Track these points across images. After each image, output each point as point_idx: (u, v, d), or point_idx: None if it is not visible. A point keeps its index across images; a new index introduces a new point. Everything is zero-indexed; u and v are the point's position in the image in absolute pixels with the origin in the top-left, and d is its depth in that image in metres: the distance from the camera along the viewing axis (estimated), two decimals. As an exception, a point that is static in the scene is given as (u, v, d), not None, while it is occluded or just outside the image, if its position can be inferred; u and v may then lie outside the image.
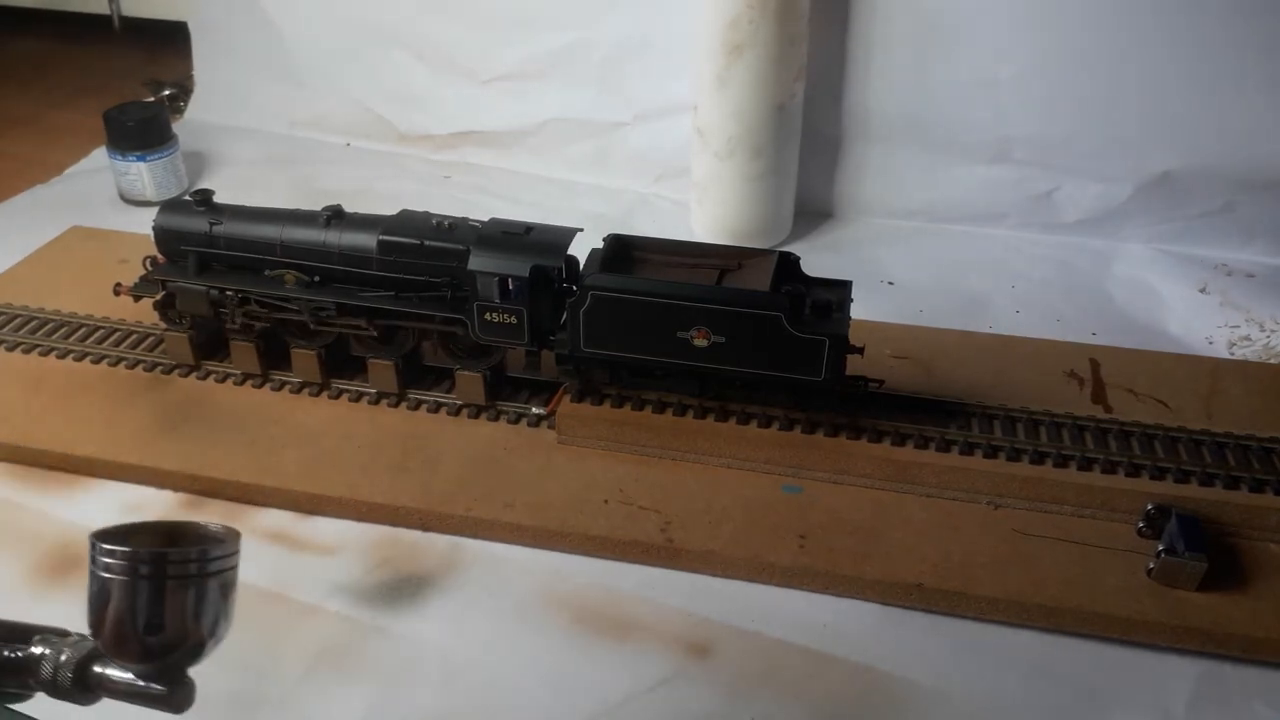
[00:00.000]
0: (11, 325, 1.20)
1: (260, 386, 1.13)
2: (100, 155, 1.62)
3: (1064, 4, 1.33)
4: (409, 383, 1.11)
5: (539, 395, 1.10)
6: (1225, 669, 0.87)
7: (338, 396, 1.11)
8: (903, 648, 0.88)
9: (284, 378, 1.12)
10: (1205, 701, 0.84)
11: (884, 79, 1.42)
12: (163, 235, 1.09)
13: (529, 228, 1.01)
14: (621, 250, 1.03)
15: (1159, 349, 1.21)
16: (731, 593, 0.93)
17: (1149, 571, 0.91)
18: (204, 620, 0.51)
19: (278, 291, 1.07)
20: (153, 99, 1.86)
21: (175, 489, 1.03)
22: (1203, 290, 1.35)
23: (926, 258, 1.43)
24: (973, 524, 0.97)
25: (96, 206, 1.55)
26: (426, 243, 1.02)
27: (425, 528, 0.99)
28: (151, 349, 1.17)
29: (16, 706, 0.55)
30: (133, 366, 1.15)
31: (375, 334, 1.07)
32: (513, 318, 1.00)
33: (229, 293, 1.08)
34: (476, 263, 0.98)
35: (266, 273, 1.08)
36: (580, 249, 1.02)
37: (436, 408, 1.10)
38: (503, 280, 0.98)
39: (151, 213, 1.12)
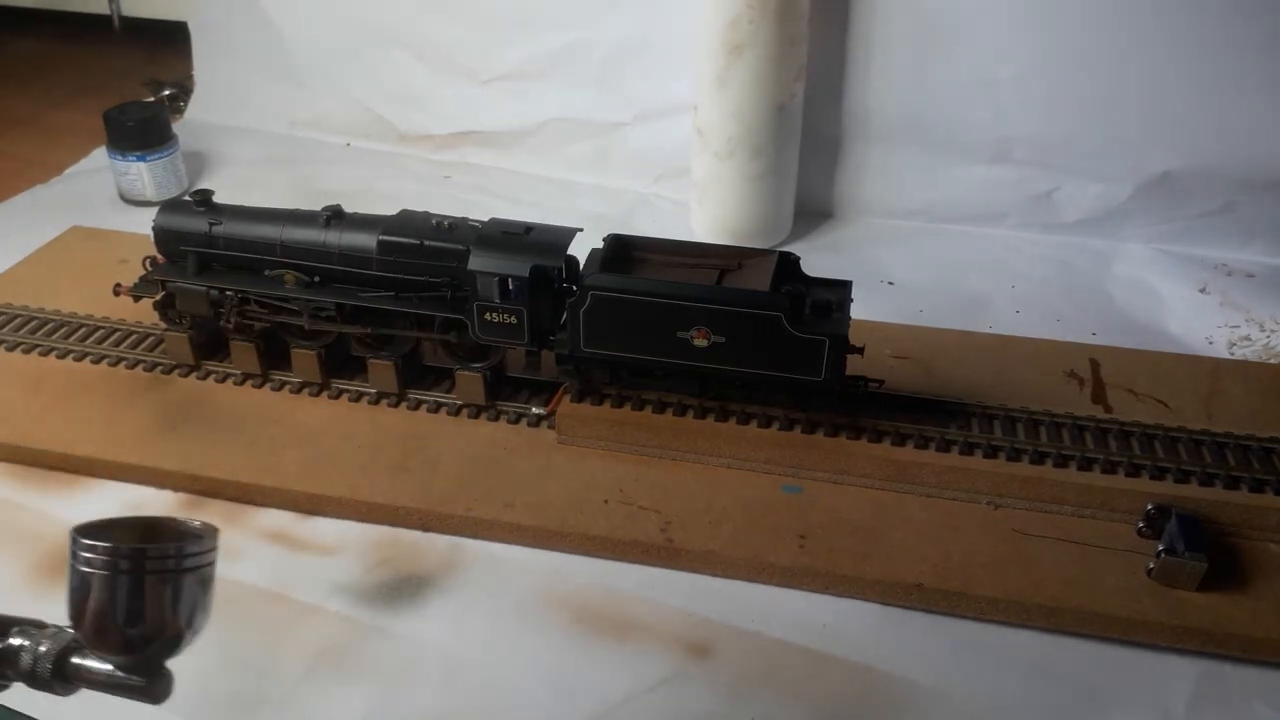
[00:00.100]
0: (11, 325, 1.20)
1: (260, 386, 1.13)
2: (100, 155, 1.62)
3: (1064, 4, 1.33)
4: (409, 383, 1.11)
5: (539, 395, 1.10)
6: (1225, 669, 0.87)
7: (338, 396, 1.11)
8: (903, 648, 0.88)
9: (284, 378, 1.12)
10: (1205, 701, 0.84)
11: (884, 79, 1.42)
12: (162, 235, 1.09)
13: (529, 228, 1.01)
14: (621, 250, 1.03)
15: (1159, 349, 1.21)
16: (731, 593, 0.93)
17: (1149, 571, 0.91)
18: (182, 614, 0.53)
19: (277, 291, 1.07)
20: (153, 99, 1.86)
21: (175, 489, 1.03)
22: (1203, 290, 1.35)
23: (926, 258, 1.43)
24: (973, 524, 0.97)
25: (96, 206, 1.55)
26: (426, 243, 1.02)
27: (425, 528, 0.99)
28: (151, 349, 1.17)
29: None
30: (133, 366, 1.15)
31: (370, 340, 1.07)
32: (513, 318, 1.00)
33: (229, 293, 1.08)
34: (476, 263, 0.98)
35: (266, 273, 1.08)
36: (580, 249, 1.02)
37: (436, 408, 1.10)
38: (503, 280, 0.98)
39: (151, 213, 1.12)
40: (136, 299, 1.13)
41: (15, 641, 0.54)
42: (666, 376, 1.03)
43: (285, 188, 1.57)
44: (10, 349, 1.18)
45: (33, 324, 1.21)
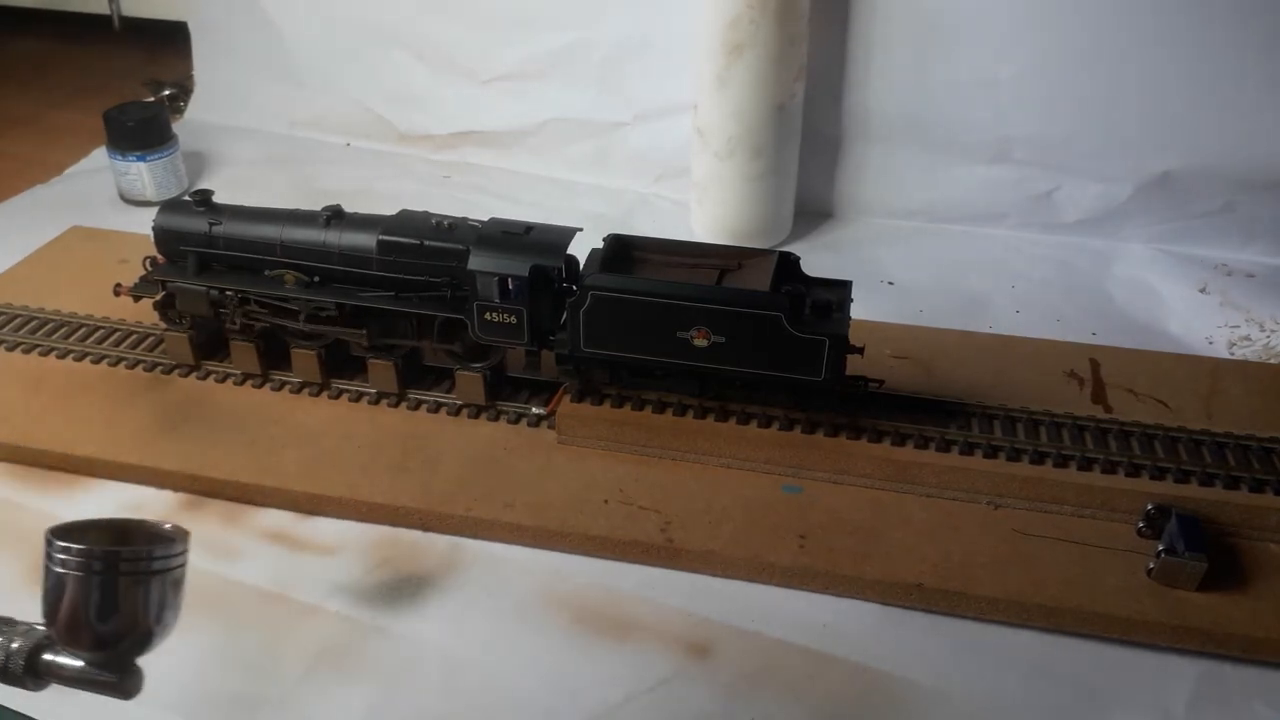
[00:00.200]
0: (11, 325, 1.20)
1: (260, 386, 1.13)
2: (100, 155, 1.62)
3: (1064, 4, 1.33)
4: (409, 383, 1.11)
5: (539, 395, 1.10)
6: (1225, 669, 0.87)
7: (338, 396, 1.11)
8: (903, 648, 0.88)
9: (284, 378, 1.12)
10: (1205, 701, 0.84)
11: (884, 79, 1.42)
12: (162, 235, 1.09)
13: (529, 227, 1.01)
14: (621, 250, 1.03)
15: (1159, 349, 1.21)
16: (731, 593, 0.93)
17: (1149, 571, 0.91)
18: (152, 613, 0.55)
19: (278, 291, 1.07)
20: (153, 99, 1.86)
21: (175, 489, 1.03)
22: (1203, 290, 1.35)
23: (926, 258, 1.43)
24: (973, 524, 0.97)
25: (96, 206, 1.55)
26: (426, 243, 1.02)
27: (425, 528, 0.99)
28: (151, 349, 1.17)
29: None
30: (133, 366, 1.15)
31: (368, 345, 1.07)
32: (512, 317, 1.00)
33: (229, 293, 1.08)
34: (476, 262, 0.98)
35: (266, 273, 1.08)
36: (580, 249, 1.02)
37: (436, 408, 1.10)
38: (502, 280, 0.98)
39: (151, 213, 1.12)
40: (136, 299, 1.13)
41: None
42: (666, 376, 1.03)
43: (285, 188, 1.57)
44: (10, 349, 1.18)
45: (33, 324, 1.21)
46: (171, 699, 0.83)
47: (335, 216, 1.05)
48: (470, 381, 1.07)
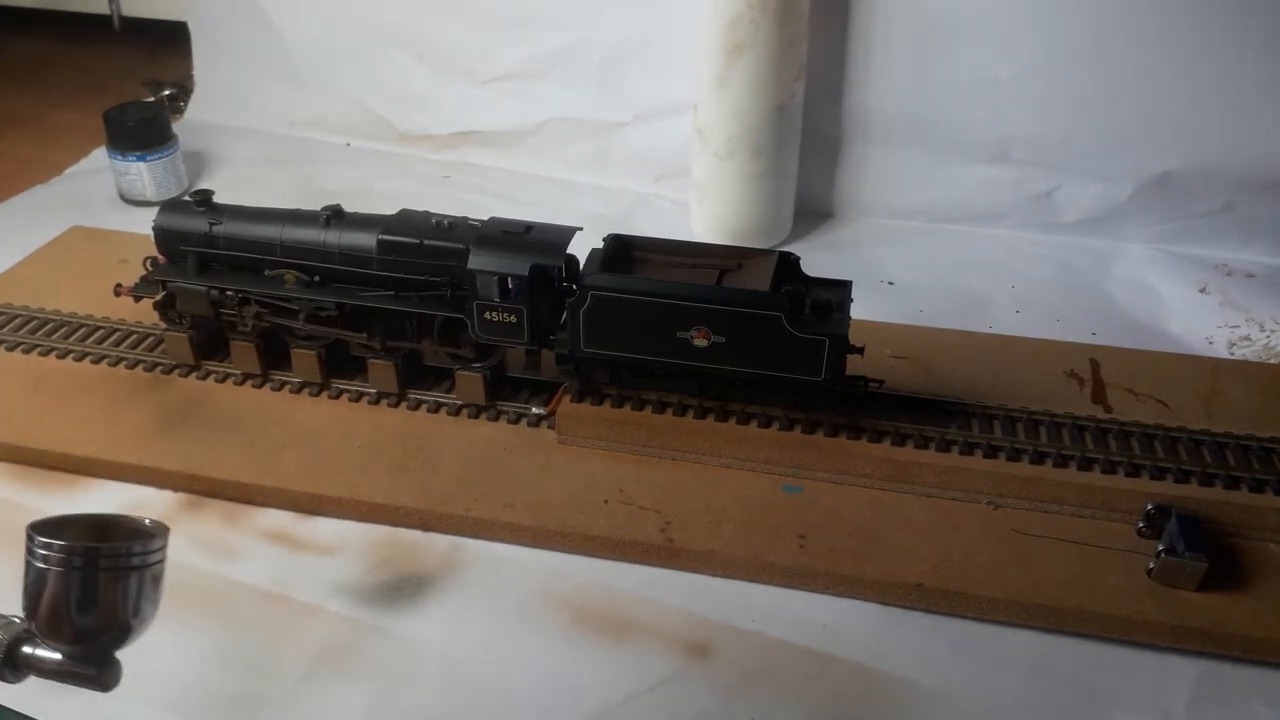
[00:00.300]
0: (11, 325, 1.20)
1: (260, 386, 1.13)
2: (100, 155, 1.62)
3: (1064, 4, 1.33)
4: (409, 383, 1.11)
5: (539, 395, 1.10)
6: (1225, 669, 0.87)
7: (338, 396, 1.11)
8: (903, 648, 0.88)
9: (284, 378, 1.12)
10: (1205, 701, 0.84)
11: (884, 79, 1.42)
12: (163, 235, 1.09)
13: (529, 227, 1.01)
14: (621, 250, 1.03)
15: (1159, 349, 1.21)
16: (731, 593, 0.93)
17: (1149, 571, 0.91)
18: (130, 608, 0.55)
19: (278, 291, 1.07)
20: (153, 99, 1.86)
21: (175, 489, 1.03)
22: (1203, 290, 1.35)
23: (926, 258, 1.43)
24: (973, 524, 0.97)
25: (96, 206, 1.55)
26: (426, 242, 1.02)
27: (425, 528, 0.99)
28: (151, 349, 1.17)
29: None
30: (133, 366, 1.15)
31: (376, 344, 1.07)
32: (512, 317, 1.00)
33: (229, 293, 1.08)
34: (476, 262, 0.98)
35: (266, 273, 1.08)
36: (580, 249, 1.02)
37: (436, 408, 1.10)
38: (502, 279, 0.98)
39: (151, 213, 1.12)
40: (137, 299, 1.13)
41: None
42: (666, 376, 1.03)
43: (285, 188, 1.57)
44: (10, 349, 1.18)
45: (33, 324, 1.21)
46: (171, 699, 0.83)
47: (335, 216, 1.05)
48: (470, 381, 1.07)
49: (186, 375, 1.14)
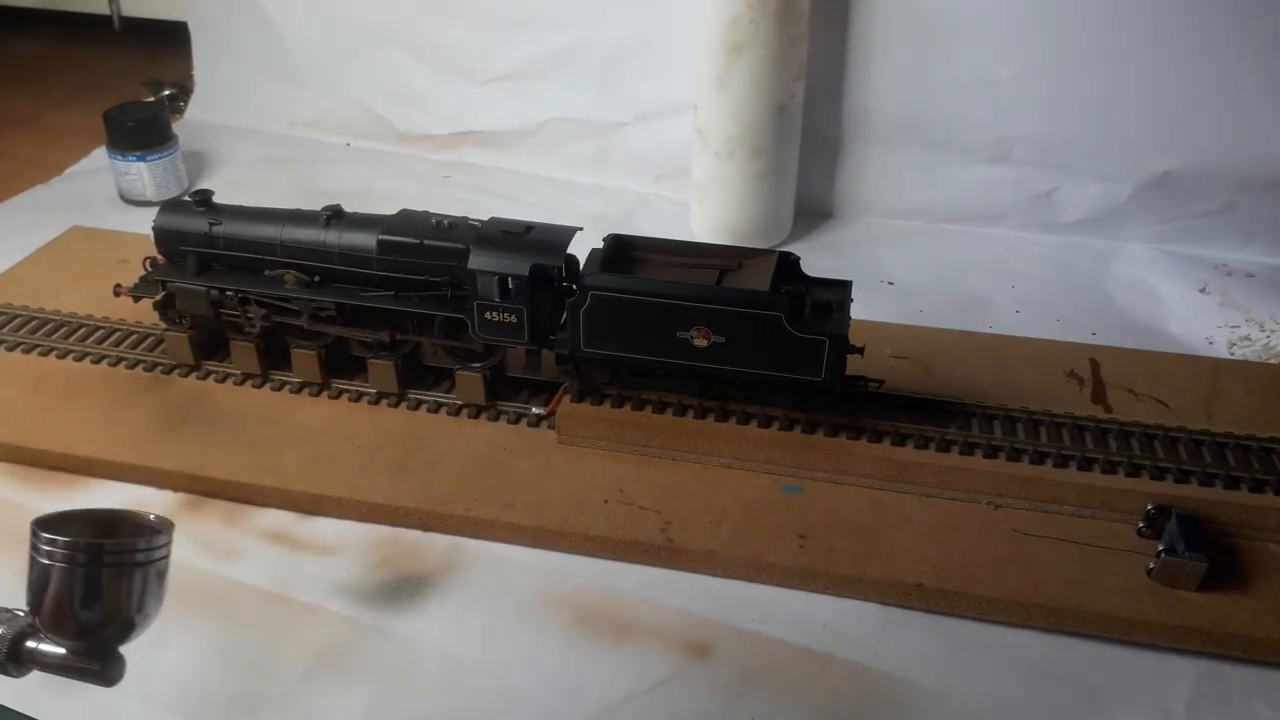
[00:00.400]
0: (11, 325, 1.20)
1: (260, 386, 1.13)
2: (100, 155, 1.62)
3: (1064, 4, 1.33)
4: (409, 383, 1.11)
5: (539, 395, 1.10)
6: (1225, 669, 0.87)
7: (338, 396, 1.11)
8: (903, 648, 0.88)
9: (284, 378, 1.12)
10: (1205, 701, 0.84)
11: (884, 79, 1.42)
12: (162, 235, 1.09)
13: (529, 227, 1.01)
14: (621, 250, 1.03)
15: (1159, 349, 1.21)
16: (731, 593, 0.93)
17: (1149, 571, 0.91)
18: (135, 603, 0.56)
19: (278, 291, 1.07)
20: (153, 99, 1.86)
21: (175, 489, 1.03)
22: (1203, 290, 1.35)
23: (926, 258, 1.43)
24: (973, 524, 0.97)
25: (96, 206, 1.55)
26: (426, 242, 1.02)
27: (425, 528, 0.99)
28: (151, 349, 1.17)
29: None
30: (133, 366, 1.15)
31: (385, 341, 1.07)
32: (513, 317, 1.00)
33: (229, 293, 1.08)
34: (476, 262, 0.98)
35: (266, 273, 1.08)
36: (580, 249, 1.02)
37: (436, 408, 1.10)
38: (502, 279, 0.98)
39: (151, 213, 1.12)
40: (136, 299, 1.13)
41: None
42: (666, 376, 1.03)
43: (285, 188, 1.57)
44: (10, 349, 1.18)
45: (33, 324, 1.21)
46: (171, 699, 0.83)
47: (335, 216, 1.05)
48: (470, 381, 1.07)
49: (186, 375, 1.14)
